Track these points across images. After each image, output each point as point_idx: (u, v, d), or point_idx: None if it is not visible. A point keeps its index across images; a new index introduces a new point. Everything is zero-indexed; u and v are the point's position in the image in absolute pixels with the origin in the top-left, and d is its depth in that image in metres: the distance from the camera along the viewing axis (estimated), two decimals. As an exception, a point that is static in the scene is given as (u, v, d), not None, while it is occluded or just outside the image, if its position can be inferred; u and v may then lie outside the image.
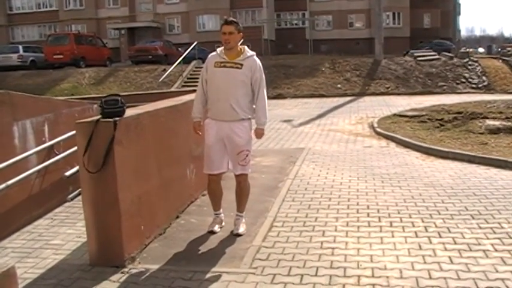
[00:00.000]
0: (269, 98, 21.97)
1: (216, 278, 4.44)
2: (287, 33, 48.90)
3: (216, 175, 5.57)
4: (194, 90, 9.01)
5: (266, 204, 6.51)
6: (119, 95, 4.94)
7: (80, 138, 4.72)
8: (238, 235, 5.47)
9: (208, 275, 4.49)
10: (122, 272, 4.59)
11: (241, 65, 5.29)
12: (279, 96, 24.11)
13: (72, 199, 6.96)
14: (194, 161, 6.66)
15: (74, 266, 4.82)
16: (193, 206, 6.54)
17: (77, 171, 5.82)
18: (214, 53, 5.48)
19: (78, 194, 6.41)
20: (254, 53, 5.48)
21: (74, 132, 4.91)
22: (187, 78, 28.01)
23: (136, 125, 5.08)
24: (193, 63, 30.42)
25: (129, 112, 5.07)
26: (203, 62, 24.60)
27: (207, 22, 47.29)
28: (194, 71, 29.47)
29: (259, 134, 5.49)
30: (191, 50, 31.62)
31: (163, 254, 5.02)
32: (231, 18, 5.37)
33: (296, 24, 51.01)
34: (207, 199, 6.68)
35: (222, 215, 5.80)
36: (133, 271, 4.63)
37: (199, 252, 5.09)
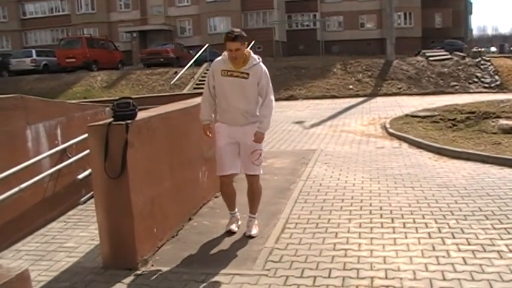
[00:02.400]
0: (281, 99, 22.17)
1: (229, 280, 4.43)
2: (298, 35, 48.93)
3: (228, 176, 5.57)
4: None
5: (279, 206, 6.50)
6: (131, 98, 4.96)
7: (92, 141, 4.74)
8: (251, 237, 5.47)
9: (221, 277, 4.48)
10: (135, 275, 4.61)
11: (248, 74, 5.30)
12: (291, 98, 24.12)
13: (84, 202, 7.00)
14: (206, 163, 6.67)
15: (87, 269, 4.84)
16: (205, 208, 6.54)
17: (90, 174, 5.84)
18: (220, 58, 5.43)
19: (91, 197, 6.44)
20: (260, 60, 5.48)
21: (86, 135, 4.92)
22: (199, 81, 28.09)
23: (148, 128, 5.10)
24: (205, 65, 30.50)
25: (141, 115, 5.09)
26: (214, 64, 23.82)
27: (218, 24, 47.43)
28: (205, 73, 29.44)
29: (260, 138, 5.45)
30: (202, 52, 31.68)
31: (176, 257, 5.02)
32: (235, 32, 5.28)
33: (307, 25, 50.97)
34: (220, 201, 6.69)
35: (238, 214, 5.81)
36: (146, 273, 4.64)
37: (212, 254, 5.09)
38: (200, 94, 5.67)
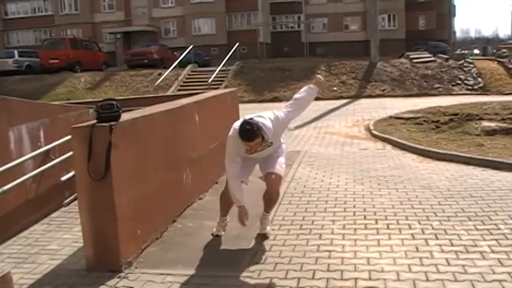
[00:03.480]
0: (265, 101, 22.14)
1: (213, 282, 4.43)
2: (283, 36, 49.00)
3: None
4: (190, 94, 9.05)
5: (262, 207, 6.46)
6: (115, 99, 4.94)
7: (75, 143, 4.72)
8: (265, 236, 5.47)
9: (205, 279, 4.48)
10: (119, 277, 4.59)
11: (271, 142, 5.15)
12: (275, 99, 24.10)
13: (68, 204, 6.96)
14: (190, 165, 6.66)
15: (70, 271, 4.81)
16: (189, 210, 6.53)
17: (73, 176, 5.81)
18: (237, 138, 4.92)
19: (75, 199, 6.40)
20: (270, 126, 5.01)
21: (69, 137, 4.89)
22: (183, 82, 28.05)
23: (132, 129, 5.08)
24: (189, 67, 30.49)
25: (125, 116, 5.07)
26: (199, 66, 24.49)
27: (203, 26, 47.47)
28: (190, 74, 29.55)
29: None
30: (187, 53, 31.62)
31: (160, 259, 5.01)
32: (253, 130, 4.76)
33: (292, 27, 51.09)
34: (204, 203, 6.71)
35: (228, 220, 5.73)
36: (130, 276, 4.62)
37: (196, 256, 5.07)
38: (184, 96, 5.68)
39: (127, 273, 4.66)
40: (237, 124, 4.99)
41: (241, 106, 10.04)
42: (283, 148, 5.52)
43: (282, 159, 5.40)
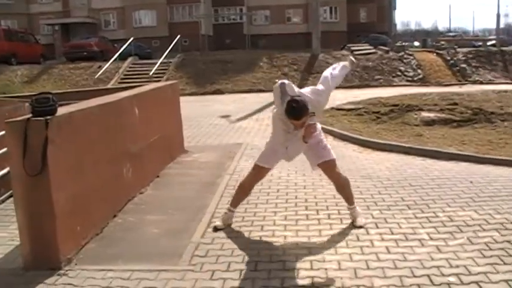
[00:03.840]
0: (207, 93, 22.00)
1: (155, 276, 4.38)
2: (225, 29, 48.79)
3: (268, 170, 5.54)
4: (131, 87, 8.91)
5: (205, 200, 6.47)
6: (51, 93, 4.81)
7: (10, 138, 4.57)
8: (361, 227, 5.41)
9: (146, 274, 4.42)
10: (58, 275, 4.48)
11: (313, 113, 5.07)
12: (217, 92, 24.05)
13: (3, 201, 6.76)
14: (131, 159, 6.57)
15: (6, 271, 4.67)
16: (130, 204, 6.43)
17: (8, 172, 5.63)
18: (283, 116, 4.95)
19: (10, 196, 6.22)
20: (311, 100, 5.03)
21: (3, 132, 4.74)
22: (124, 75, 27.63)
23: (69, 123, 4.96)
24: (130, 59, 30.05)
25: (62, 110, 4.95)
26: (140, 58, 24.09)
27: (144, 18, 46.87)
28: (131, 67, 29.14)
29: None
30: (127, 46, 31.15)
31: (101, 254, 4.93)
32: (301, 107, 4.77)
33: (234, 19, 50.89)
34: (145, 197, 6.63)
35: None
36: (70, 273, 4.52)
37: (137, 251, 5.01)
38: (125, 89, 5.57)
39: (66, 271, 4.56)
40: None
41: (183, 99, 9.99)
42: (319, 128, 5.41)
43: (322, 143, 5.39)
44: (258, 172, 5.49)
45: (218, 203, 6.36)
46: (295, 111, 4.75)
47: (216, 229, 5.47)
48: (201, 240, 5.18)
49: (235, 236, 5.27)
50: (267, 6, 49.98)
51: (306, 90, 5.15)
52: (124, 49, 30.66)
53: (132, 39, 32.23)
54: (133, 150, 6.62)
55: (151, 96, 7.93)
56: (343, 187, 5.55)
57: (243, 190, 5.61)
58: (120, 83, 25.44)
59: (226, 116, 15.23)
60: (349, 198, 5.61)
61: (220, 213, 5.97)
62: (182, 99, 9.59)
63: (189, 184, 7.29)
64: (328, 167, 5.41)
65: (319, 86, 5.28)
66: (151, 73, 26.71)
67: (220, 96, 22.90)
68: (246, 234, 5.30)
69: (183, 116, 9.84)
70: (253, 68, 27.61)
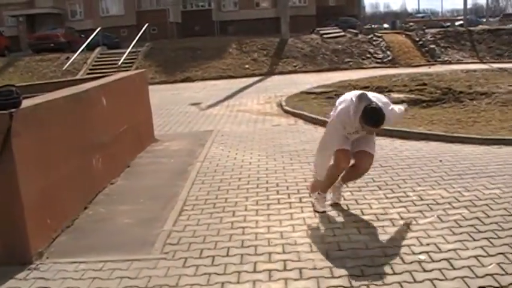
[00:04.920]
0: (177, 81, 21.89)
1: (127, 266, 4.36)
2: (193, 15, 48.36)
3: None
4: (99, 77, 8.81)
5: (176, 188, 6.46)
6: (14, 86, 4.74)
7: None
8: (338, 204, 5.58)
9: (118, 264, 4.40)
10: (29, 269, 4.42)
11: None
12: (187, 80, 23.96)
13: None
14: (100, 149, 6.52)
15: (-25, 267, 4.61)
16: (101, 195, 6.39)
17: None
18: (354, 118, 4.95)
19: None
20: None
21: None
22: (92, 66, 27.33)
23: (34, 116, 4.90)
24: (98, 49, 29.70)
25: (27, 102, 4.89)
26: (108, 48, 23.77)
27: (111, 7, 46.22)
28: (99, 57, 28.82)
29: None
30: (95, 36, 30.76)
31: (72, 247, 4.89)
32: (381, 117, 4.78)
33: (202, 5, 50.50)
34: (116, 187, 6.60)
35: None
36: (42, 267, 4.47)
37: (109, 241, 4.98)
38: (92, 79, 5.49)
39: (38, 265, 4.51)
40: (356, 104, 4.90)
41: (153, 88, 9.95)
42: None
43: (374, 138, 5.38)
44: (343, 155, 5.28)
45: (190, 191, 6.35)
46: (377, 119, 4.78)
47: (323, 212, 5.42)
48: (173, 228, 5.17)
49: (207, 222, 5.27)
50: (237, -8, 49.66)
51: (382, 101, 5.09)
52: (91, 39, 30.28)
53: (99, 29, 31.83)
54: (102, 140, 6.58)
55: (118, 86, 7.87)
56: (359, 171, 5.48)
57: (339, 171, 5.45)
58: (88, 73, 25.12)
59: (196, 104, 15.17)
60: (348, 180, 5.66)
61: (192, 200, 5.98)
62: (152, 88, 9.55)
63: (160, 173, 7.27)
64: (368, 159, 5.33)
65: (392, 106, 5.31)
66: (119, 63, 26.43)
67: (191, 83, 22.82)
68: (218, 221, 5.30)
69: (153, 105, 9.79)
70: (223, 55, 27.53)
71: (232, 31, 44.08)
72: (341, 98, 5.25)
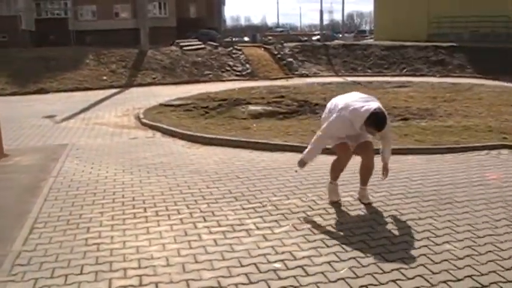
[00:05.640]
0: (29, 93, 20.88)
1: (-30, 291, 4.10)
2: (48, 24, 46.52)
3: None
4: None
5: (26, 205, 6.14)
6: None
7: None
8: (370, 204, 5.92)
9: (-41, 289, 4.12)
10: None
11: None
12: (41, 91, 22.80)
13: None
14: None
15: None
16: None
17: None
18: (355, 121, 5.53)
19: None
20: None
21: None
22: None
23: None
24: None
25: None
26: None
27: None
28: None
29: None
30: None
31: None
32: (386, 120, 5.48)
33: (58, 14, 48.81)
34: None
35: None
36: None
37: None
38: None
39: None
40: (359, 108, 5.42)
41: (2, 99, 9.44)
42: None
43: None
44: (346, 148, 5.94)
45: (42, 207, 6.06)
46: (382, 123, 5.37)
47: (337, 202, 6.04)
48: (23, 248, 4.90)
49: (60, 240, 5.05)
50: (94, 1, 48.49)
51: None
52: None
53: None
54: None
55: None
56: (369, 169, 5.95)
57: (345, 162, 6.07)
58: None
59: (51, 116, 14.55)
60: (365, 181, 6.05)
61: (44, 217, 5.71)
62: (2, 99, 9.04)
63: (9, 189, 6.89)
64: (368, 147, 5.89)
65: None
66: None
67: (45, 95, 21.79)
68: (72, 238, 5.11)
69: (2, 117, 9.29)
70: (80, 66, 26.69)
71: (90, 41, 42.89)
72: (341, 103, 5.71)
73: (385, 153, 5.86)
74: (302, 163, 5.91)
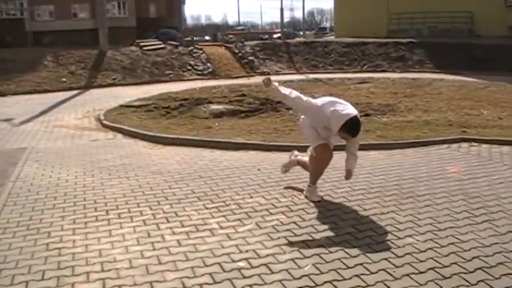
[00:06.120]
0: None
1: None
2: (4, 24, 45.41)
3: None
4: None
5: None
6: None
7: None
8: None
9: None
10: None
11: None
12: (-2, 94, 22.42)
13: None
14: None
15: None
16: None
17: None
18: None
19: None
20: None
21: None
22: None
23: None
24: None
25: None
26: None
27: None
28: None
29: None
30: None
31: None
32: (360, 125, 5.60)
33: (13, 14, 47.83)
34: None
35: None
36: None
37: None
38: None
39: None
40: (340, 111, 5.51)
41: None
42: None
43: None
44: (327, 147, 5.96)
45: (0, 213, 5.94)
46: (357, 130, 5.54)
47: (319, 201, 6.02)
48: (-21, 256, 4.80)
49: (20, 246, 4.94)
50: (51, 1, 47.59)
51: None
52: None
53: None
54: None
55: None
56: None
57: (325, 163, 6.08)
58: None
59: (8, 120, 14.25)
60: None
61: (2, 223, 5.58)
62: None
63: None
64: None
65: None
66: None
67: (2, 98, 21.37)
68: (32, 243, 5.01)
69: (-44, 122, 9.08)
70: (38, 67, 26.23)
71: (48, 42, 42.13)
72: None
73: (351, 161, 5.89)
74: (268, 83, 5.88)
